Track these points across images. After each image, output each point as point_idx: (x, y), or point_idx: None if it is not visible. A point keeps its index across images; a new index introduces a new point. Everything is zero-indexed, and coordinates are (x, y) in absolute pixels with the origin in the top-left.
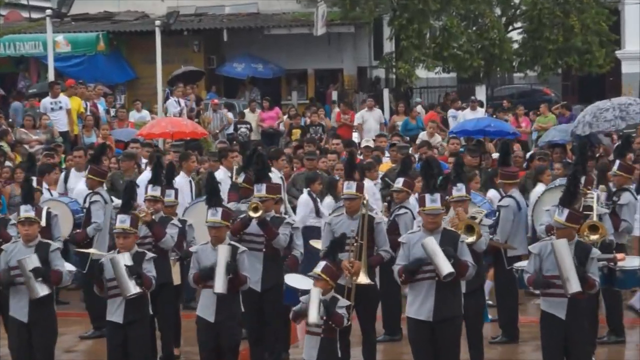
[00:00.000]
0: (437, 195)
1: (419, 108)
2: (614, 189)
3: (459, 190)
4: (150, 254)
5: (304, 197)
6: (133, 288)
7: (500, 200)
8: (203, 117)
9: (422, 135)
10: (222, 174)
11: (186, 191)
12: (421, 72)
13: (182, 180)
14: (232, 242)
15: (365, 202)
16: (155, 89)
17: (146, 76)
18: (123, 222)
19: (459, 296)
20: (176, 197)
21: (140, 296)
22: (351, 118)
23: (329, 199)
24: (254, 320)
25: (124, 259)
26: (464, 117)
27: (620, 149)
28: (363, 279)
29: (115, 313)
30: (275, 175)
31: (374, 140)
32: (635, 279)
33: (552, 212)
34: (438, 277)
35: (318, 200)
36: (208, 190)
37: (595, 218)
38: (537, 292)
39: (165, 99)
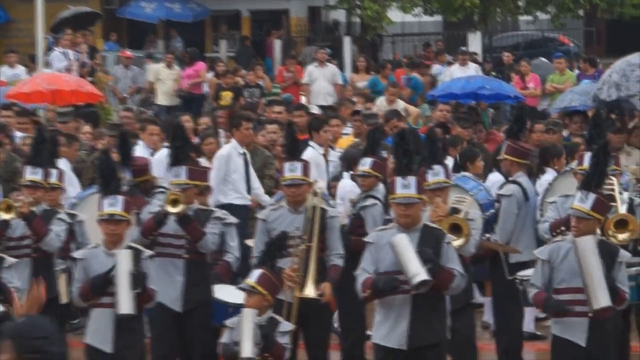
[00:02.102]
0: (412, 179)
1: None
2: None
3: (435, 175)
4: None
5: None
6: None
7: (501, 188)
8: (99, 75)
9: (380, 103)
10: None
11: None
12: (395, 15)
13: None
14: (133, 245)
15: (317, 190)
16: (34, 37)
17: (22, 19)
18: None
19: (444, 316)
20: (60, 180)
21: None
22: (298, 76)
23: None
24: (171, 350)
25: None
26: (451, 75)
27: None
28: (310, 291)
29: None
30: (314, 153)
31: (327, 108)
32: None
33: (560, 204)
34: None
35: None
36: (102, 173)
37: (622, 210)
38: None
39: (48, 49)
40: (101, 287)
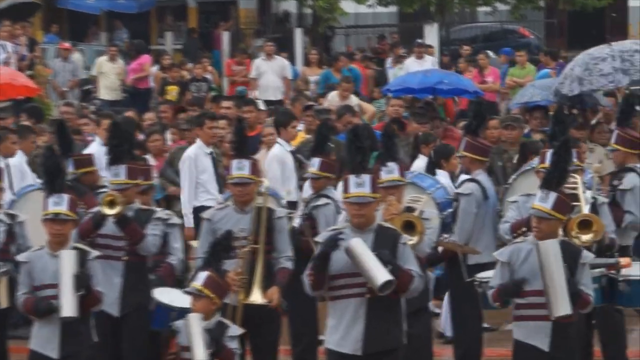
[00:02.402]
0: (366, 178)
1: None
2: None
3: (389, 172)
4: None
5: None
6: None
7: (459, 186)
8: (38, 69)
9: (332, 98)
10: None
11: (18, 175)
12: (348, 6)
13: (15, 161)
14: (79, 245)
15: (263, 190)
16: None
17: None
18: None
19: (400, 320)
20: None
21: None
22: (247, 70)
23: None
24: (109, 356)
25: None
26: (407, 69)
27: (621, 113)
28: (257, 297)
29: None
30: (282, 150)
31: (276, 102)
32: None
33: (521, 203)
34: (370, 293)
35: None
36: (46, 171)
37: (585, 210)
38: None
39: None
40: (44, 313)
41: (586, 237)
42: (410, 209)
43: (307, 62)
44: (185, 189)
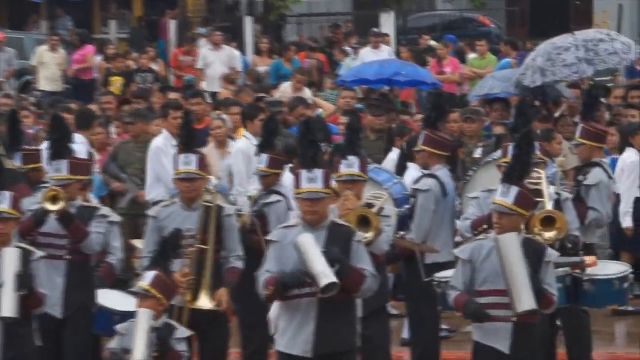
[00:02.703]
0: (319, 173)
1: None
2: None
3: (349, 166)
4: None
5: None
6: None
7: (417, 182)
8: None
9: (285, 89)
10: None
11: None
12: None
13: None
14: (23, 245)
15: (213, 186)
16: None
17: None
18: None
19: (353, 322)
20: None
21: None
22: (195, 60)
23: None
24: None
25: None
26: (362, 59)
27: (585, 106)
28: (205, 302)
29: None
30: (248, 144)
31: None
32: (612, 294)
33: (483, 199)
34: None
35: None
36: None
37: (548, 206)
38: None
39: None
40: None
41: (549, 235)
42: (370, 206)
43: (258, 52)
44: (149, 182)
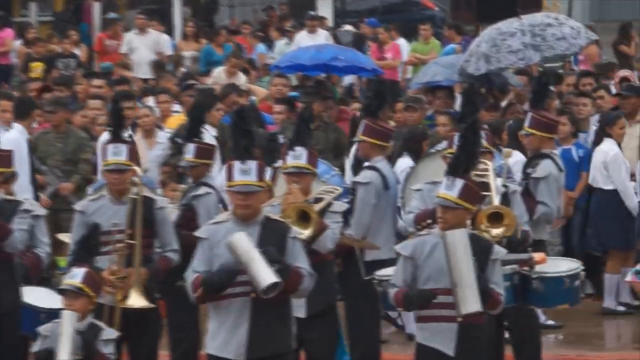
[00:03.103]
0: (253, 165)
1: None
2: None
3: (296, 158)
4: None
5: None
6: None
7: (356, 174)
8: None
9: (218, 75)
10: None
11: None
12: None
13: None
14: None
15: (137, 178)
16: None
17: None
18: None
19: (288, 323)
20: None
21: None
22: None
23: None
24: None
25: None
26: (297, 44)
27: (534, 94)
28: (136, 300)
29: None
30: (207, 136)
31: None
32: (562, 292)
33: (427, 192)
34: (255, 292)
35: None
36: None
37: (496, 200)
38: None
39: None
40: None
41: (496, 231)
42: (318, 200)
43: (184, 36)
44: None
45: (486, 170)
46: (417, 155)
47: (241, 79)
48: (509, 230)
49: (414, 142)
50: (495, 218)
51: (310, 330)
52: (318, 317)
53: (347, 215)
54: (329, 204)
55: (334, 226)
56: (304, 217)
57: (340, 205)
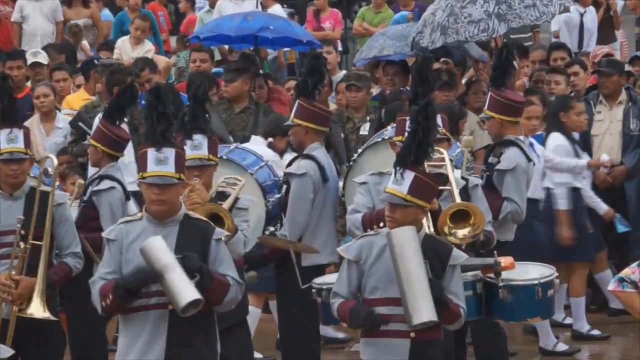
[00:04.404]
0: (171, 153)
1: None
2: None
3: (196, 148)
4: None
5: None
6: None
7: (289, 164)
8: None
9: (123, 45)
10: None
11: None
12: None
13: None
14: None
15: (39, 173)
16: None
17: None
18: None
19: (212, 338)
20: None
21: None
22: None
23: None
24: None
25: None
26: (219, 11)
27: (495, 70)
28: (38, 309)
29: None
30: None
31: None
32: (533, 304)
33: (373, 185)
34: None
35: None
36: None
37: (457, 195)
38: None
39: None
40: None
41: (463, 232)
42: (222, 195)
43: (68, 1)
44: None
45: (441, 159)
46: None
47: (147, 46)
48: (477, 230)
49: (450, 121)
50: (459, 217)
51: (221, 347)
52: (227, 332)
53: (277, 213)
54: (236, 199)
55: (243, 226)
56: (214, 219)
57: (247, 201)
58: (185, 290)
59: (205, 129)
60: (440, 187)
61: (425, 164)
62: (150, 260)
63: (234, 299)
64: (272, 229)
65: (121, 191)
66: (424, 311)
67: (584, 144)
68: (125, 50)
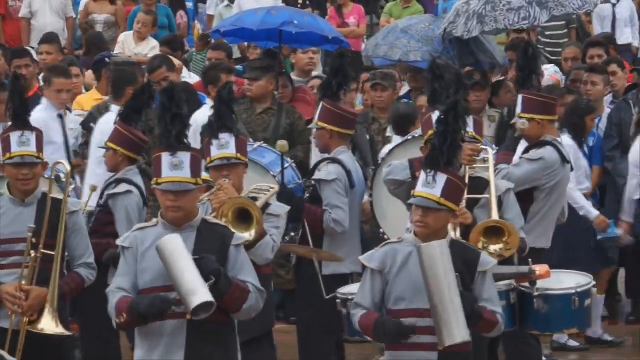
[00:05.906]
0: (186, 157)
1: None
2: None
3: (222, 147)
4: None
5: None
6: None
7: (317, 169)
8: None
9: (126, 40)
10: None
11: None
12: None
13: None
14: None
15: (52, 175)
16: None
17: None
18: None
19: (233, 349)
20: None
21: None
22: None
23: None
24: None
25: None
26: (239, 7)
27: (522, 70)
28: (50, 324)
29: None
30: None
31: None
32: (570, 314)
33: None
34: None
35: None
36: None
37: (494, 207)
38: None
39: None
40: None
41: (495, 247)
42: (255, 199)
43: None
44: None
45: (487, 159)
46: (580, 133)
47: (151, 43)
48: (509, 251)
49: (577, 116)
50: (493, 231)
51: (245, 356)
52: (254, 343)
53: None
54: (267, 205)
55: (274, 232)
56: (243, 217)
57: (281, 207)
58: (198, 292)
59: (232, 128)
60: (478, 196)
61: (467, 166)
62: (166, 260)
63: (254, 306)
64: (293, 234)
65: (139, 196)
66: (455, 331)
67: (623, 146)
68: (129, 46)
